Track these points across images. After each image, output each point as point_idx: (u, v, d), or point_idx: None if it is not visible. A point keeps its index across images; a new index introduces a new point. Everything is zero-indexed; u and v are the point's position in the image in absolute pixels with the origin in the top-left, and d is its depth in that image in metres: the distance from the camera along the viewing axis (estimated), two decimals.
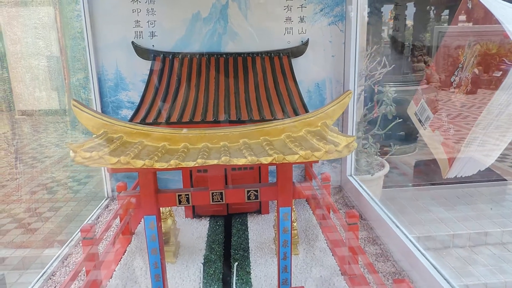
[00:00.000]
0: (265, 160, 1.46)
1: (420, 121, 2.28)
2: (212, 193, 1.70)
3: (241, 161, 1.46)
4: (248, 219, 2.95)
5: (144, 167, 1.43)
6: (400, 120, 4.22)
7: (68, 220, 4.67)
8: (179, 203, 1.70)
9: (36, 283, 2.25)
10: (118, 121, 1.56)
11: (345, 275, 2.23)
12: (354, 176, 3.37)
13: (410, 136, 6.21)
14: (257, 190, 1.72)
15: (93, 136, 1.52)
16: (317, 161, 1.53)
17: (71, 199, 5.27)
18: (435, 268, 2.09)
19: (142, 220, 1.75)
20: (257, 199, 1.73)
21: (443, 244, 4.00)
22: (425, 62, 6.73)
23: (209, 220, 2.95)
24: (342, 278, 2.23)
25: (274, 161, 1.46)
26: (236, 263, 2.32)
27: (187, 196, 1.70)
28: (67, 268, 2.41)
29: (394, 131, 4.38)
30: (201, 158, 1.45)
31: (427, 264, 2.13)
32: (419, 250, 2.26)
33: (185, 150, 1.55)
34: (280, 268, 1.79)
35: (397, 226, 2.53)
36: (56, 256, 2.53)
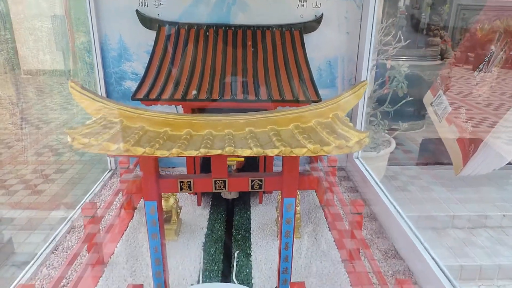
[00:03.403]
0: (271, 152, 1.39)
1: (436, 113, 2.16)
2: (215, 181, 1.65)
3: (246, 152, 1.39)
4: (250, 198, 2.92)
5: (145, 154, 1.38)
6: (410, 99, 4.11)
7: (73, 183, 4.70)
8: (181, 190, 1.65)
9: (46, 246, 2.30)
10: (118, 105, 1.48)
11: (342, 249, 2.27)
12: (361, 159, 3.30)
13: (418, 112, 6.06)
14: (262, 180, 1.67)
15: (92, 119, 1.45)
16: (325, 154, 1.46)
17: (76, 162, 5.30)
18: (425, 248, 2.13)
19: None
20: (261, 188, 1.67)
21: (443, 224, 4.00)
22: (441, 37, 6.47)
23: (211, 197, 2.93)
24: (338, 252, 2.31)
25: (280, 154, 1.39)
26: (237, 251, 2.30)
27: (189, 182, 1.65)
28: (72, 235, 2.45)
29: (403, 107, 4.28)
30: (204, 147, 1.39)
31: (418, 243, 2.16)
32: (412, 230, 2.29)
33: (188, 137, 1.48)
34: (281, 258, 1.77)
35: (394, 206, 2.56)
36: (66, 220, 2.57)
